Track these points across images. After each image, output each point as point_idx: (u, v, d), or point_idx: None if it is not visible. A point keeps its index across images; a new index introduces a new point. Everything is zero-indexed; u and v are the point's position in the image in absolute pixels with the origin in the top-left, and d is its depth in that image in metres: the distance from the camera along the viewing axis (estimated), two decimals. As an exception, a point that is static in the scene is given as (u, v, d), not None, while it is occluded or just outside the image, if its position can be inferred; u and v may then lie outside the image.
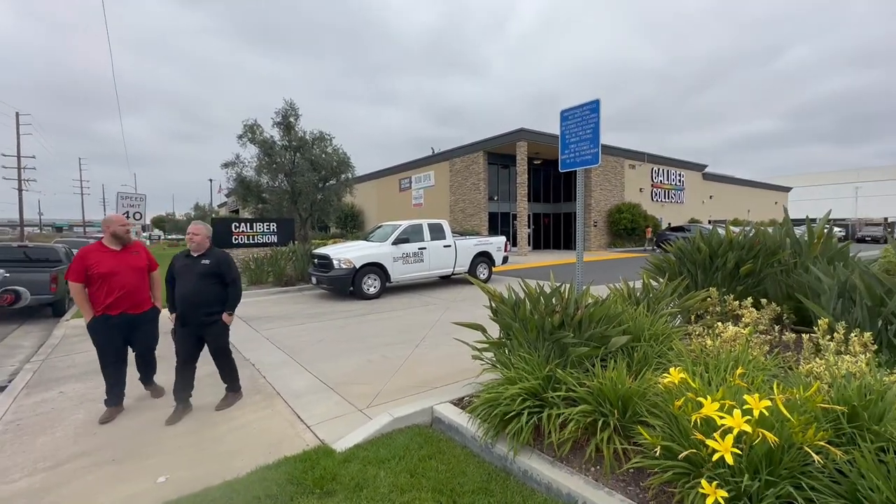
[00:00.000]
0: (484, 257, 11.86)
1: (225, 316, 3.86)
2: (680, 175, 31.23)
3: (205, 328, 3.78)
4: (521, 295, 3.79)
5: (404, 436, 3.19)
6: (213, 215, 52.24)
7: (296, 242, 13.49)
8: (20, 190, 45.25)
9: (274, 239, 13.37)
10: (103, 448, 3.30)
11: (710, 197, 34.44)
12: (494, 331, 4.01)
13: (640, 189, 28.20)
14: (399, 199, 30.76)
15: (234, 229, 12.80)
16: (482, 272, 11.81)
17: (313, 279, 9.92)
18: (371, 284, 9.63)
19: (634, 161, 27.53)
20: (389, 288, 10.53)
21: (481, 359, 3.71)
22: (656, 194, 29.47)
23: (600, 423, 2.51)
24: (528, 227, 24.38)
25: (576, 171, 4.19)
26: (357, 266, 9.40)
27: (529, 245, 24.80)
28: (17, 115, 44.49)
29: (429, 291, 10.56)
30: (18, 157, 44.87)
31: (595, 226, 25.12)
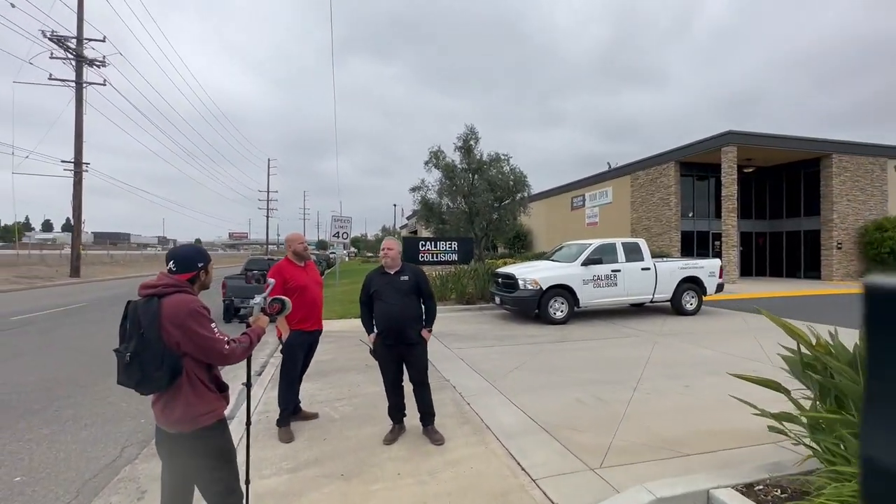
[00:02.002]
0: (692, 283, 9.86)
1: (425, 332, 3.64)
2: None
3: (407, 347, 3.57)
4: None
5: (676, 528, 2.31)
6: (396, 235, 59.21)
7: (474, 261, 13.68)
8: (267, 217, 59.20)
9: (455, 257, 13.84)
10: (332, 458, 3.32)
11: None
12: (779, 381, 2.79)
13: (916, 198, 20.54)
14: (570, 218, 29.26)
15: (420, 247, 13.70)
16: (689, 301, 9.82)
17: (496, 299, 9.66)
18: (558, 308, 8.84)
19: (905, 161, 20.28)
20: (576, 314, 9.55)
21: (783, 432, 2.57)
22: (945, 205, 21.04)
23: None
24: (737, 248, 20.06)
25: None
26: (544, 287, 8.75)
27: (736, 270, 20.38)
28: (269, 161, 58.61)
29: (622, 320, 9.20)
30: (268, 192, 58.95)
31: (839, 248, 19.18)
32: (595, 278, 9.12)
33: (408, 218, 52.72)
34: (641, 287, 9.48)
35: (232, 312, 8.09)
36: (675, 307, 9.79)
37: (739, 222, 20.65)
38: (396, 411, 3.68)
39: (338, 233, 18.96)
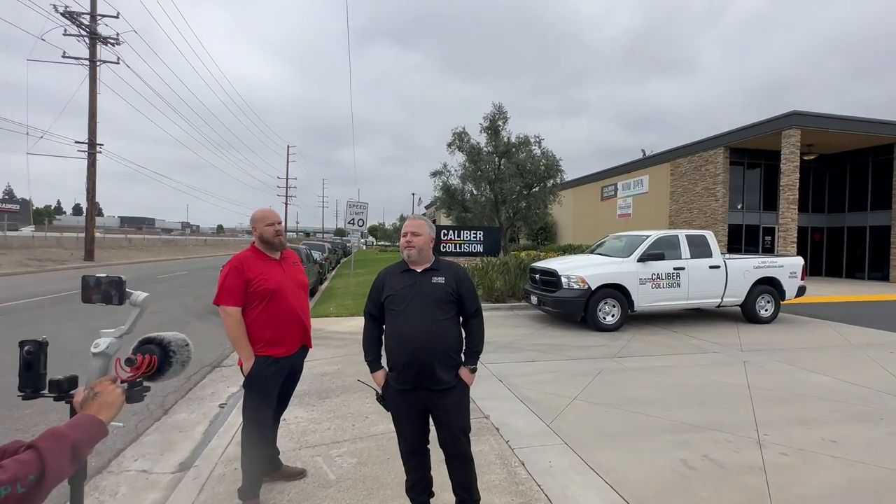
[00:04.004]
0: (769, 285, 8.23)
1: (465, 372, 2.25)
2: None
3: (437, 395, 2.18)
4: None
5: None
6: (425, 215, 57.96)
7: (502, 253, 12.27)
8: (286, 204, 58.77)
9: (480, 248, 12.46)
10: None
11: None
12: None
13: None
14: (600, 208, 27.43)
15: (442, 236, 12.32)
16: (765, 307, 8.20)
17: (533, 298, 8.23)
18: (609, 312, 7.37)
19: None
20: (627, 318, 8.02)
21: None
22: None
23: None
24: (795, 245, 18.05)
25: None
26: (592, 287, 7.28)
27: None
28: (288, 147, 57.98)
29: (685, 328, 7.66)
30: (287, 178, 58.39)
31: (913, 246, 16.99)
32: (654, 277, 7.59)
33: (426, 207, 51.47)
34: (709, 288, 7.91)
35: None
36: (746, 313, 8.20)
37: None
38: (419, 491, 2.32)
39: (353, 219, 17.76)
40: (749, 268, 8.15)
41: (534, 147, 16.31)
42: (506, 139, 16.47)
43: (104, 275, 1.06)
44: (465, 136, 16.78)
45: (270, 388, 2.55)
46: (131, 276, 17.57)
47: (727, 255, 8.41)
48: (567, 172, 17.14)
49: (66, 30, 23.39)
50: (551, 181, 16.07)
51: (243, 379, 2.56)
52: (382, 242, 74.79)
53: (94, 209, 24.68)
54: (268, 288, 2.46)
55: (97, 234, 27.43)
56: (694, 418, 3.75)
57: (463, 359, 2.28)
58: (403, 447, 2.31)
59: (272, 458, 2.79)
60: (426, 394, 2.19)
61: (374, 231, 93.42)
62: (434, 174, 17.73)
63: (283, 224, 2.65)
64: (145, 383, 1.01)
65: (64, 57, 23.64)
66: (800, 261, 8.59)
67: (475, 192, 17.35)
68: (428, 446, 2.34)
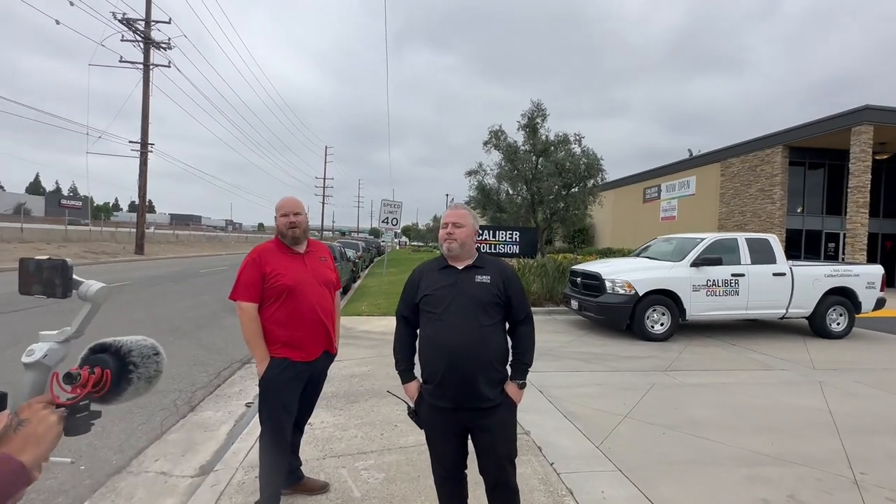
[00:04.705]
0: (842, 296, 7.38)
1: (511, 387, 1.90)
2: None
3: (479, 415, 1.84)
4: None
5: None
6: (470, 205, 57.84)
7: (539, 255, 11.80)
8: (323, 204, 60.12)
9: (515, 249, 12.03)
10: None
11: None
12: None
13: None
14: (641, 211, 26.23)
15: (476, 236, 11.95)
16: (837, 320, 7.36)
17: (573, 303, 7.75)
18: (657, 320, 6.81)
19: None
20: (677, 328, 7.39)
21: None
22: None
23: None
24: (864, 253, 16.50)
25: None
26: (640, 293, 6.74)
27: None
28: (326, 148, 59.30)
29: (743, 340, 6.97)
30: (324, 178, 59.72)
31: None
32: (709, 283, 6.95)
33: (460, 207, 51.22)
34: (771, 298, 7.17)
35: None
36: (815, 327, 7.39)
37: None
38: (454, 522, 2.02)
39: (387, 218, 17.71)
40: (819, 276, 7.34)
41: (574, 145, 15.69)
42: (544, 137, 15.94)
43: (46, 258, 0.81)
44: (501, 135, 16.37)
45: (286, 394, 2.31)
46: (177, 269, 18.29)
47: (793, 262, 7.60)
48: (607, 173, 16.46)
49: (122, 36, 24.75)
50: (592, 181, 15.39)
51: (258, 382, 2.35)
52: (415, 242, 75.33)
53: (146, 206, 25.99)
54: (284, 284, 2.22)
55: (147, 230, 28.90)
56: (769, 448, 3.24)
57: (509, 372, 1.95)
58: (437, 471, 2.00)
59: (292, 469, 2.56)
60: (467, 413, 1.87)
61: (407, 231, 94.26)
62: (469, 173, 17.43)
63: (301, 215, 2.36)
64: (94, 407, 0.75)
65: (121, 61, 25.03)
66: (879, 270, 7.67)
67: (511, 191, 16.91)
68: (465, 471, 2.03)
